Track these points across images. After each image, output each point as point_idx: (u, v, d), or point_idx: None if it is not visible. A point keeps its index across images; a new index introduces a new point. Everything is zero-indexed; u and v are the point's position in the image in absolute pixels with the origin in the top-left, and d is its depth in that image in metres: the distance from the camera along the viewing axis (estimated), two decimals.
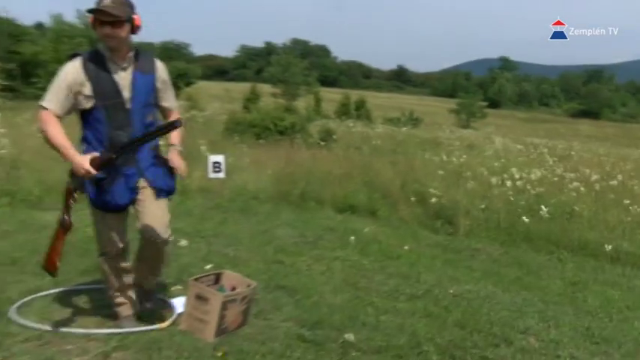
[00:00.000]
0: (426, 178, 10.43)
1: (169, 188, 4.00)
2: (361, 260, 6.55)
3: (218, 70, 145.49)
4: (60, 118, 3.58)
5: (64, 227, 3.71)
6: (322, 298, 5.08)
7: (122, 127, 3.64)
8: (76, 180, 3.65)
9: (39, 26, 24.67)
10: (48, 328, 3.99)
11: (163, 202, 3.96)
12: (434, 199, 9.18)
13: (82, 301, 4.59)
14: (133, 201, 3.84)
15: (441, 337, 4.47)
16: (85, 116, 3.69)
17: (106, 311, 4.27)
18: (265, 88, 54.85)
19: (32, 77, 19.90)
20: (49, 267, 3.78)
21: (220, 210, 8.55)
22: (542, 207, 8.61)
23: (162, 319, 4.28)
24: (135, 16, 3.57)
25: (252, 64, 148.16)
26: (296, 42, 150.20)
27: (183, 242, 6.33)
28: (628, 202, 9.52)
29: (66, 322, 4.12)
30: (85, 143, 3.72)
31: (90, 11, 3.39)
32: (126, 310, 4.15)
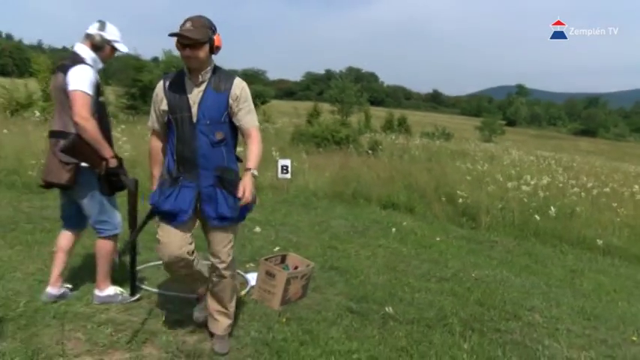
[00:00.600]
0: (455, 182, 10.32)
1: (225, 215, 3.18)
2: (400, 248, 6.52)
3: (287, 91, 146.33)
4: (158, 131, 3.30)
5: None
6: (367, 278, 5.10)
7: (187, 140, 3.10)
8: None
9: (155, 59, 25.50)
10: (155, 290, 4.17)
11: (220, 231, 3.24)
12: (461, 200, 9.09)
13: None
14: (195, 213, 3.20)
15: (463, 311, 4.45)
16: (167, 129, 3.24)
17: None
18: (325, 107, 54.78)
19: (148, 98, 20.67)
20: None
21: (286, 204, 8.60)
22: (552, 208, 8.50)
23: (239, 290, 4.36)
24: (215, 37, 3.08)
25: (315, 86, 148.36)
26: (350, 69, 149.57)
27: (257, 229, 6.40)
28: (617, 205, 9.57)
29: (167, 286, 4.25)
30: (166, 154, 3.28)
31: (172, 35, 2.96)
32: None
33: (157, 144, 3.36)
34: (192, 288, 3.67)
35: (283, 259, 4.57)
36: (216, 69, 3.19)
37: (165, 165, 3.24)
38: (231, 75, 3.22)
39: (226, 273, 3.34)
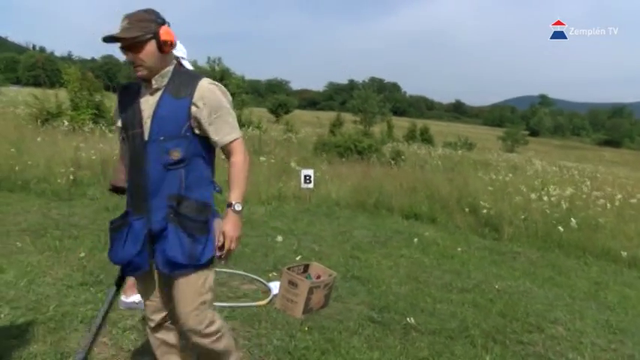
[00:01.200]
0: (478, 192, 10.24)
1: (176, 261, 2.33)
2: (422, 258, 6.49)
3: (310, 101, 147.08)
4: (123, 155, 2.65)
5: None
6: (389, 288, 5.09)
7: (139, 162, 2.39)
8: None
9: None
10: None
11: (182, 284, 2.41)
12: (484, 210, 9.02)
13: None
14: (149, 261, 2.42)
15: (485, 323, 4.42)
16: None
17: (220, 289, 4.41)
18: (348, 117, 54.94)
19: None
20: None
21: (309, 213, 8.60)
22: (572, 219, 8.39)
23: (261, 299, 4.40)
24: (160, 30, 2.31)
25: (338, 96, 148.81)
26: (373, 79, 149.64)
27: (279, 238, 6.43)
28: None
29: None
30: None
31: (105, 40, 2.28)
32: None
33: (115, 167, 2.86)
34: None
35: (306, 268, 4.59)
36: (177, 71, 2.45)
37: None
38: (195, 76, 2.44)
39: (205, 342, 2.50)
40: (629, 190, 13.20)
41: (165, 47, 2.33)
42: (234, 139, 2.43)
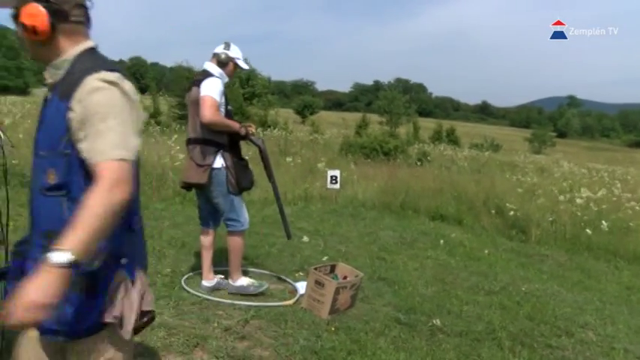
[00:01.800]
0: (504, 194, 10.14)
1: (45, 325, 1.49)
2: (448, 260, 6.45)
3: (336, 102, 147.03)
4: None
5: None
6: (415, 289, 5.05)
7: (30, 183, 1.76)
8: None
9: None
10: (206, 296, 4.23)
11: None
12: (511, 212, 8.92)
13: None
14: None
15: (513, 326, 4.36)
16: None
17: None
18: (374, 118, 54.82)
19: None
20: None
21: (335, 214, 8.60)
22: (603, 222, 8.24)
23: (288, 298, 4.41)
24: (23, 9, 1.59)
25: (364, 97, 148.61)
26: (399, 80, 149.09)
27: (305, 238, 6.44)
28: None
29: (218, 293, 4.33)
30: None
31: None
32: None
33: None
34: None
35: (333, 268, 4.59)
36: (83, 59, 1.67)
37: None
38: (89, 69, 1.61)
39: None
40: None
41: (29, 33, 1.62)
42: (107, 160, 1.50)
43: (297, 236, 6.40)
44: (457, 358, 3.65)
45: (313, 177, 10.91)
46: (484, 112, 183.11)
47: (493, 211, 9.30)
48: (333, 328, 3.87)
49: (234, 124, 4.14)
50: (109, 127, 1.55)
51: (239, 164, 4.19)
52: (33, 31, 1.61)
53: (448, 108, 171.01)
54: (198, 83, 4.07)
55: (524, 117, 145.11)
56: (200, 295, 4.24)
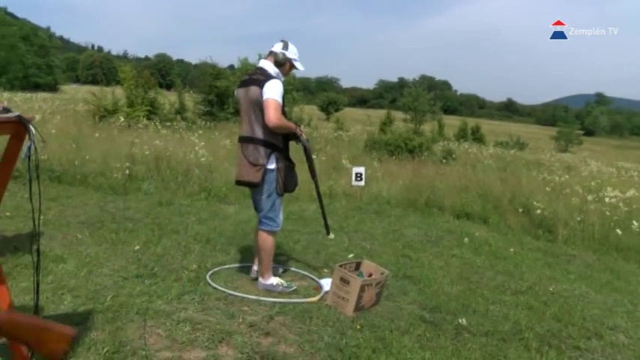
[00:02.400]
0: (531, 193, 9.98)
1: None
2: (474, 258, 6.37)
3: (360, 99, 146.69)
4: None
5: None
6: (441, 288, 5.01)
7: None
8: None
9: (231, 67, 26.31)
10: (231, 292, 4.24)
11: None
12: (538, 211, 8.78)
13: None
14: None
15: (540, 326, 4.29)
16: None
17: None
18: (398, 115, 54.48)
19: (224, 105, 21.34)
20: None
21: (360, 211, 8.56)
22: (634, 222, 8.05)
23: (313, 295, 4.41)
24: None
25: (388, 94, 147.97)
26: (424, 77, 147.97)
27: (330, 235, 6.42)
28: None
29: (243, 289, 4.35)
30: None
31: None
32: None
33: None
34: None
35: (358, 266, 4.58)
36: None
37: None
38: None
39: None
40: None
41: None
42: None
43: (321, 233, 6.39)
44: (483, 359, 3.60)
45: (338, 174, 10.88)
46: (509, 109, 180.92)
47: (519, 210, 9.16)
48: (357, 326, 3.85)
49: (293, 126, 4.24)
50: None
51: (288, 166, 4.27)
52: None
53: (473, 105, 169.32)
54: (258, 83, 4.08)
55: (550, 115, 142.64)
56: (225, 290, 4.26)
